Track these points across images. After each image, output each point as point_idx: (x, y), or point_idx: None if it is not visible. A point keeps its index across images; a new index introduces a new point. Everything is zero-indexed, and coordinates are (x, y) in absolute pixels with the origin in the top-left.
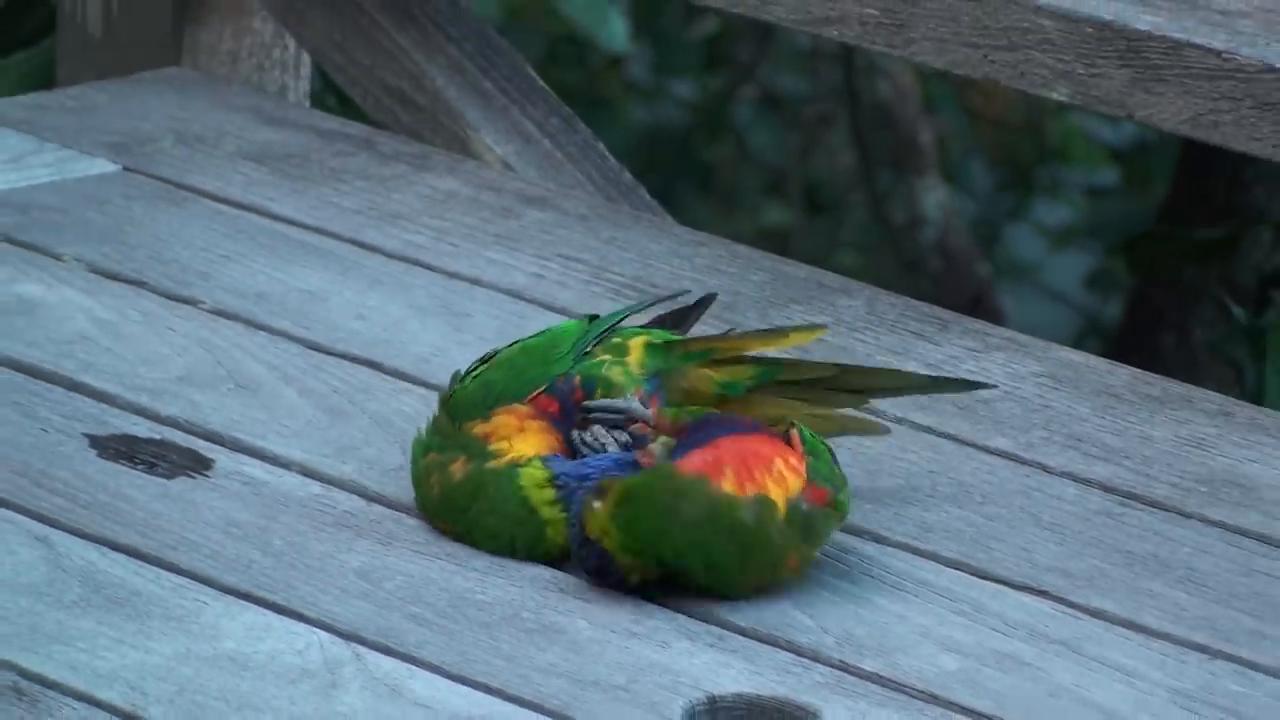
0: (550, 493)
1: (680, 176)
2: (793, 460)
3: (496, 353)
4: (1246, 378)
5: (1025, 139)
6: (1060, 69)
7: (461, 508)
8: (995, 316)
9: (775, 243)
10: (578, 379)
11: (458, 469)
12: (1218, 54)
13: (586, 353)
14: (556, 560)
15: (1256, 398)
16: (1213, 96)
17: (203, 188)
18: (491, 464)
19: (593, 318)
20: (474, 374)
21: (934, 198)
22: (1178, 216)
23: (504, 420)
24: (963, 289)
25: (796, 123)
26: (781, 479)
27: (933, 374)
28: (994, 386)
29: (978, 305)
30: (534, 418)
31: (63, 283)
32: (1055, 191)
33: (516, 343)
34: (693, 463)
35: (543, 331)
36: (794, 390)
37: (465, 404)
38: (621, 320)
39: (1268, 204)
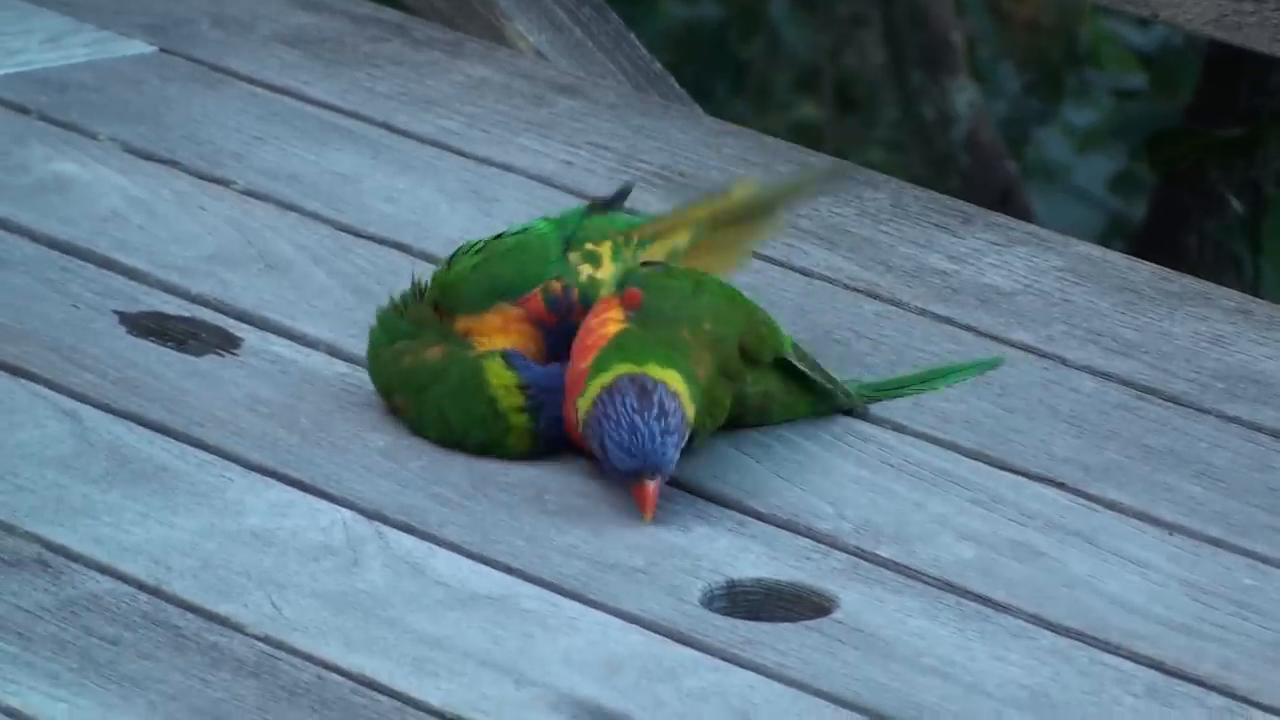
0: (520, 399)
1: (714, 72)
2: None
3: (482, 243)
4: (1245, 270)
5: (1055, 42)
6: None
7: (420, 386)
8: (1023, 213)
9: (807, 139)
10: (575, 292)
11: (435, 352)
12: None
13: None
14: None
15: (1254, 291)
16: None
17: (238, 70)
18: (464, 353)
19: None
20: (471, 262)
21: (964, 96)
22: (1202, 119)
23: (493, 320)
24: (991, 185)
25: (831, 20)
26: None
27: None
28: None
29: (1006, 201)
30: (524, 321)
31: (98, 161)
32: (1084, 95)
33: (501, 236)
34: None
35: (521, 229)
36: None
37: (464, 293)
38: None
39: None
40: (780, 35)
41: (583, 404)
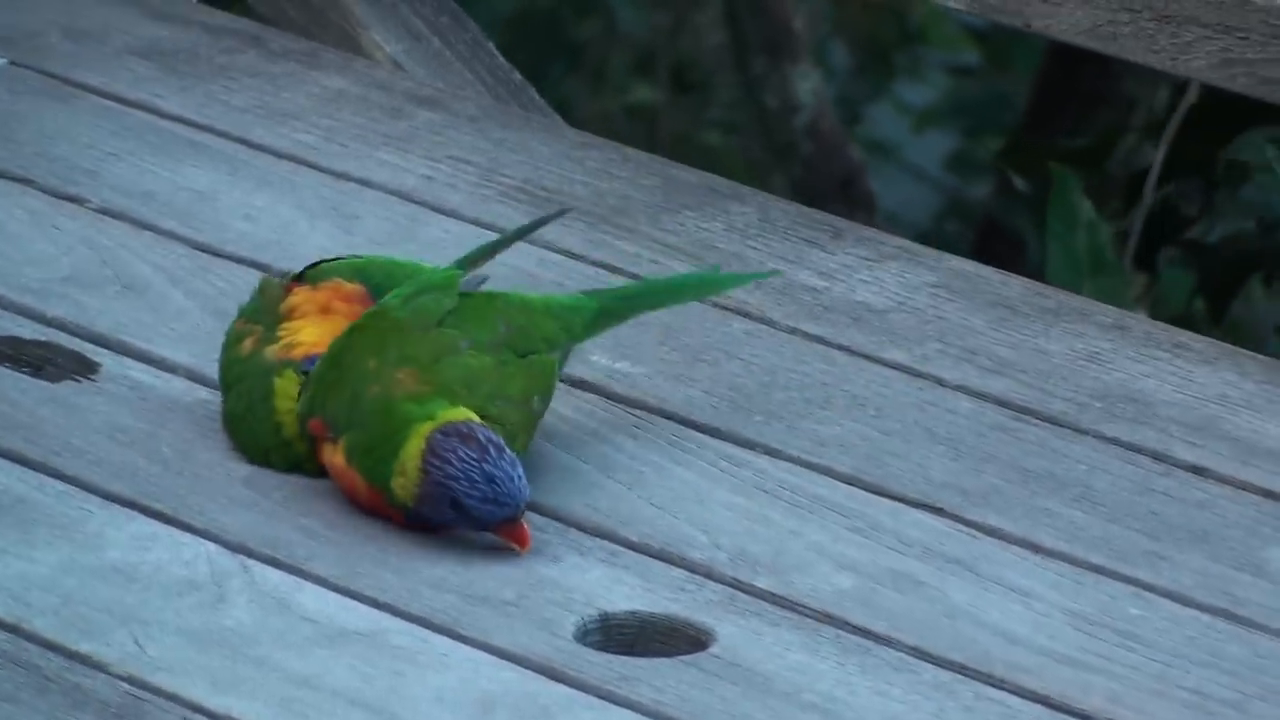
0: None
1: (549, 54)
2: None
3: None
4: (1030, 249)
5: (886, 20)
6: None
7: (226, 385)
8: (866, 200)
9: (643, 120)
10: None
11: (248, 345)
12: None
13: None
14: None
15: (1040, 269)
16: (1112, 8)
17: (90, 84)
18: (267, 351)
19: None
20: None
21: (807, 84)
22: (1047, 106)
23: (314, 297)
24: (833, 173)
25: (666, 2)
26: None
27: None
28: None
29: (848, 188)
30: (353, 303)
31: None
32: (916, 73)
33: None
34: None
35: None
36: None
37: (321, 269)
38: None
39: (1137, 91)
40: (616, 17)
41: (402, 483)
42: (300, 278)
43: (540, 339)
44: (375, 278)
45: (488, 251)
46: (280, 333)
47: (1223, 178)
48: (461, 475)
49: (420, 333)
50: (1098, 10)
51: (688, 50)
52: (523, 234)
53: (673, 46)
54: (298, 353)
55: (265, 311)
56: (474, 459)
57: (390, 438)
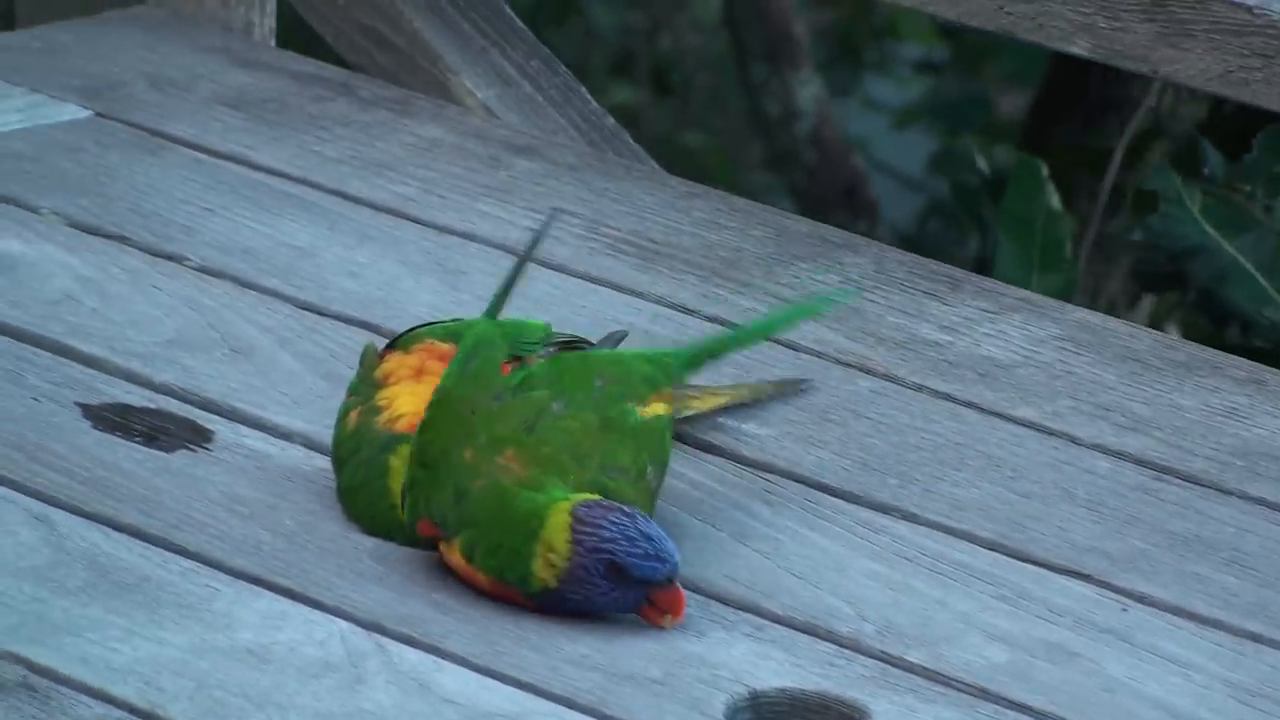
0: None
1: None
2: None
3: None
4: (989, 237)
5: (856, 16)
6: (1080, 22)
7: (338, 460)
8: (869, 209)
9: (624, 121)
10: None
11: (353, 419)
12: (1248, 9)
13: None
14: None
15: (987, 259)
16: (1242, 53)
17: (179, 135)
18: (376, 422)
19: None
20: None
21: (809, 91)
22: (1053, 106)
23: (406, 361)
24: (836, 181)
25: (643, 3)
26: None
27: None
28: (809, 380)
29: (851, 196)
30: (448, 363)
31: (42, 238)
32: (885, 68)
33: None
34: None
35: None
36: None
37: (404, 336)
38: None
39: (1142, 94)
40: (591, 18)
41: (548, 562)
42: (393, 344)
43: (639, 380)
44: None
45: (508, 287)
46: (379, 401)
47: (1132, 206)
48: (619, 536)
49: (501, 404)
50: (1227, 57)
51: (666, 52)
52: (527, 256)
53: (652, 48)
54: (401, 425)
55: (364, 381)
56: (626, 520)
57: (518, 530)
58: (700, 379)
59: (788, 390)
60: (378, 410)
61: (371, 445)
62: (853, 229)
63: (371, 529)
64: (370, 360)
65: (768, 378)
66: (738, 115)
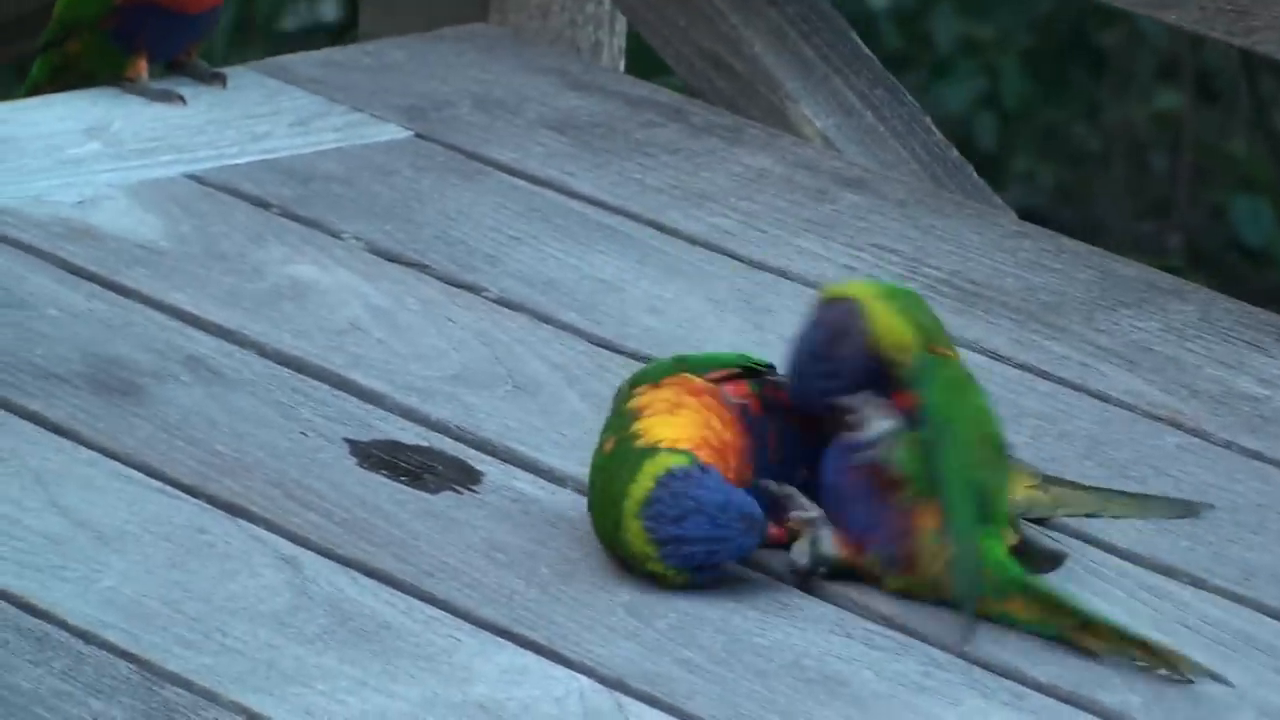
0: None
1: (1072, 59)
2: None
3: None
4: None
5: None
6: None
7: (592, 483)
8: None
9: (1167, 127)
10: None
11: (608, 446)
12: None
13: None
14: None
15: None
16: None
17: (498, 159)
18: (633, 446)
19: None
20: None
21: None
22: None
23: (660, 395)
24: None
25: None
26: None
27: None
28: (1210, 506)
29: None
30: (702, 395)
31: (339, 264)
32: None
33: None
34: None
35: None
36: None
37: (649, 370)
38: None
39: None
40: (1138, 19)
41: None
42: (643, 377)
43: None
44: (696, 371)
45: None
46: (634, 430)
47: None
48: None
49: None
50: None
51: (1214, 57)
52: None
53: (1196, 53)
54: (662, 445)
55: (618, 414)
56: None
57: None
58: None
59: (1180, 513)
60: (635, 437)
61: (625, 458)
62: None
63: (601, 529)
64: (621, 398)
65: (1157, 492)
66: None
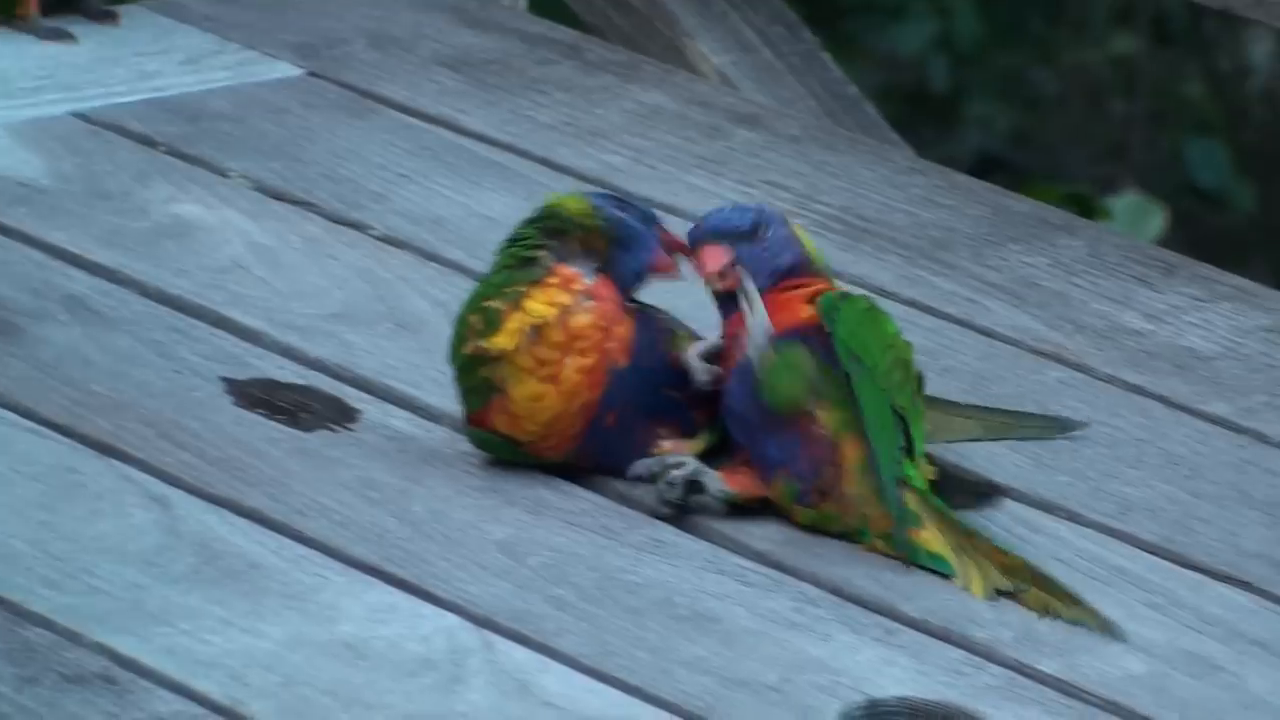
0: None
1: (1027, 2)
2: None
3: None
4: None
5: None
6: None
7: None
8: None
9: (1123, 70)
10: None
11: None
12: None
13: None
14: None
15: None
16: None
17: (390, 97)
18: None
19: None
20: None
21: (1261, 48)
22: None
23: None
24: None
25: None
26: None
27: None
28: (1084, 425)
29: None
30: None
31: (224, 203)
32: None
33: None
34: None
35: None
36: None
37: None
38: None
39: None
40: None
41: None
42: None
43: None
44: None
45: None
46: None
47: None
48: None
49: None
50: None
51: (1171, 1)
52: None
53: None
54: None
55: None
56: None
57: None
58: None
59: (1051, 430)
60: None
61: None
62: None
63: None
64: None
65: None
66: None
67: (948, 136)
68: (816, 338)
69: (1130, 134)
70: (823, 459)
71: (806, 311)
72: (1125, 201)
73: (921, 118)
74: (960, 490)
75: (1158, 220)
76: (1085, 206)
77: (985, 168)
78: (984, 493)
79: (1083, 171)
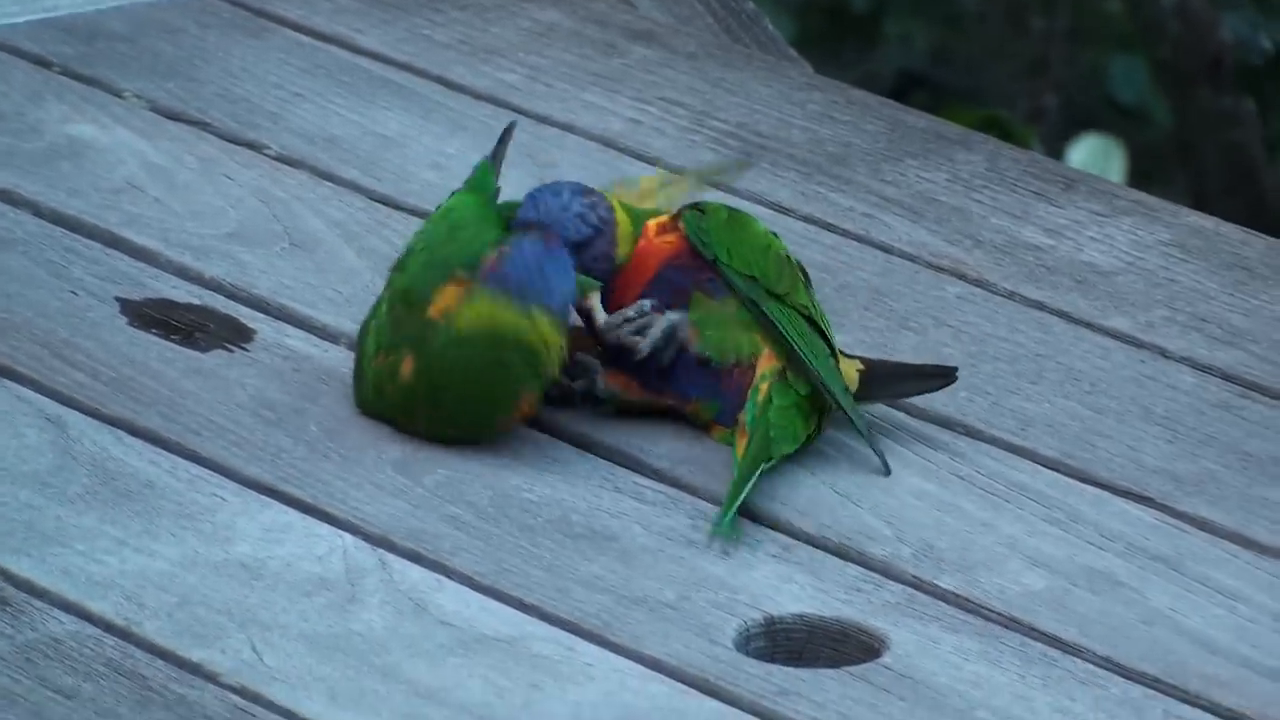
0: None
1: None
2: None
3: (422, 242)
4: None
5: None
6: None
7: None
8: (1230, 82)
9: None
10: None
11: (406, 369)
12: None
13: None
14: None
15: None
16: None
17: (285, 15)
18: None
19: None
20: (420, 260)
21: None
22: None
23: (452, 290)
24: (1201, 54)
25: None
26: None
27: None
28: (953, 376)
29: (1218, 68)
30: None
31: (119, 123)
32: None
33: (429, 224)
34: None
35: (445, 210)
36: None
37: (420, 286)
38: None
39: None
40: None
41: None
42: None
43: None
44: (444, 253)
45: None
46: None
47: None
48: None
49: None
50: None
51: None
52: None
53: None
54: None
55: (403, 332)
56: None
57: None
58: None
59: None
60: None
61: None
62: (1218, 106)
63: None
64: (402, 316)
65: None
66: None
67: (868, 55)
68: (692, 266)
69: (1050, 50)
70: (747, 384)
71: (669, 238)
72: (1087, 142)
73: (842, 35)
74: (912, 376)
75: (1119, 161)
76: (1004, 130)
77: (906, 86)
78: (930, 374)
79: (1003, 89)
